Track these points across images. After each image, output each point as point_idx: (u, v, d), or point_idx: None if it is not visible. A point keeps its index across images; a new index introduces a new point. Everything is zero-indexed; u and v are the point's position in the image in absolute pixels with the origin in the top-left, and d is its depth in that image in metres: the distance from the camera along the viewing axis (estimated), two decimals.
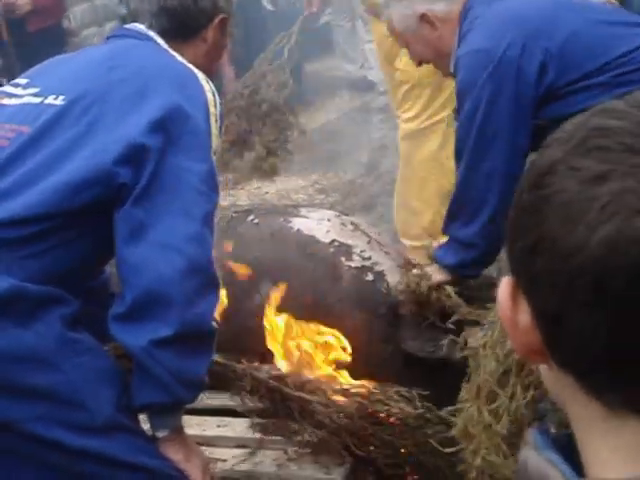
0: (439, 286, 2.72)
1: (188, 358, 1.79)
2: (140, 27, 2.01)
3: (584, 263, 0.67)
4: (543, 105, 2.55)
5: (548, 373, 0.76)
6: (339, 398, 2.59)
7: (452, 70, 2.76)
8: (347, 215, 3.29)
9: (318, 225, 3.01)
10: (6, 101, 1.91)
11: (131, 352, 1.78)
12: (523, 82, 2.54)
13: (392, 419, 2.52)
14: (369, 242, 2.98)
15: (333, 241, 2.93)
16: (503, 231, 0.75)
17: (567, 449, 0.73)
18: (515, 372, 2.03)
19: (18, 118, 1.84)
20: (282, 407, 2.64)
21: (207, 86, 1.89)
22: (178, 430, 1.88)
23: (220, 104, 1.91)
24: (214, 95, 1.89)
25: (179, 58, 1.95)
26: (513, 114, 2.55)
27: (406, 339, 2.74)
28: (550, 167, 0.71)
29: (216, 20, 2.06)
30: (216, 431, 2.90)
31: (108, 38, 2.07)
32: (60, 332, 1.75)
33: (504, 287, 0.75)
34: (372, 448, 2.57)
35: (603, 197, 0.67)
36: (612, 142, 0.69)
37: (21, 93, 1.91)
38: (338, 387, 2.62)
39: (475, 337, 2.39)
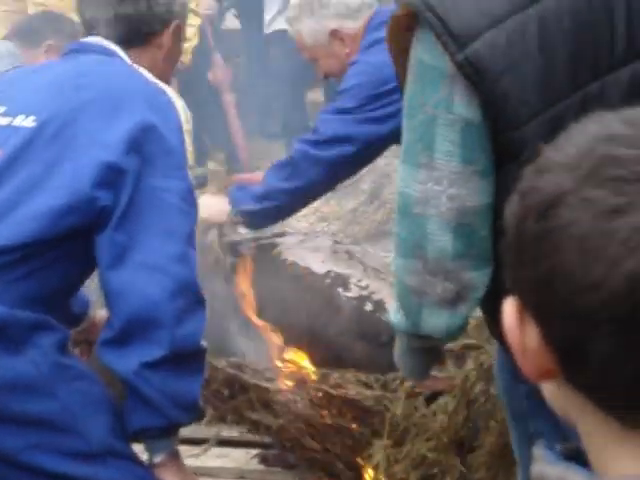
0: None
1: (180, 379, 1.77)
2: (102, 41, 1.97)
3: (607, 298, 0.67)
4: None
5: (556, 391, 0.76)
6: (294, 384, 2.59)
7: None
8: (340, 243, 3.27)
9: (312, 255, 2.98)
10: None
11: (122, 377, 1.76)
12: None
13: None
14: (365, 270, 2.95)
15: (329, 272, 2.90)
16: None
17: (576, 461, 0.74)
18: None
19: None
20: (241, 397, 2.62)
21: (179, 102, 1.89)
22: (174, 454, 1.85)
23: (191, 119, 1.92)
24: (185, 111, 1.88)
25: (146, 74, 1.92)
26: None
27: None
28: (559, 198, 0.70)
29: (171, 26, 2.04)
30: (216, 462, 2.87)
31: (68, 52, 2.01)
32: (54, 358, 1.73)
33: (510, 311, 0.75)
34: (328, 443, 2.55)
35: (622, 231, 0.67)
36: (627, 172, 0.68)
37: None
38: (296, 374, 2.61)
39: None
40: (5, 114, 1.81)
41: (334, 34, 3.02)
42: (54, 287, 1.78)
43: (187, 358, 1.77)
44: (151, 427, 1.78)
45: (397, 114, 2.70)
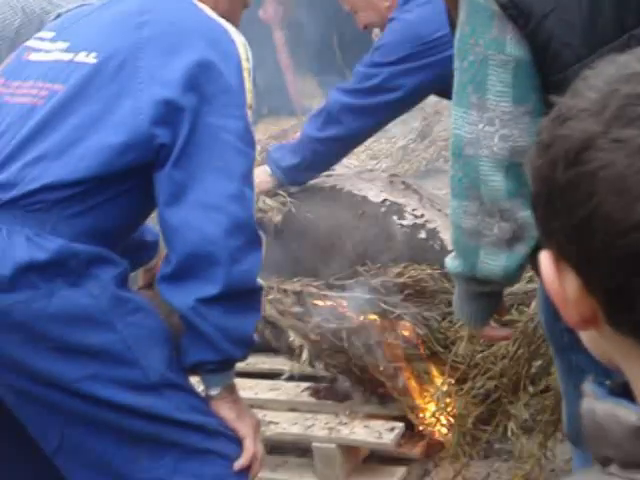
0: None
1: (235, 315, 1.79)
2: None
3: None
4: None
5: (597, 339, 0.76)
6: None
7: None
8: (397, 176, 3.29)
9: (368, 185, 3.01)
10: (33, 57, 1.87)
11: (179, 311, 1.80)
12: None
13: None
14: (421, 200, 2.97)
15: (384, 200, 2.93)
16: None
17: (625, 397, 0.73)
18: None
19: (50, 76, 1.81)
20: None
21: (239, 40, 1.85)
22: (230, 389, 1.89)
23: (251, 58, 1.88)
24: (246, 49, 1.85)
25: (208, 11, 1.90)
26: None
27: None
28: (589, 142, 0.69)
29: None
30: (269, 394, 2.94)
31: None
32: (112, 291, 1.77)
33: (547, 262, 0.75)
34: None
35: None
36: None
37: (49, 48, 1.87)
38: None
39: None
40: (68, 50, 1.84)
41: None
42: (114, 223, 1.82)
43: (242, 295, 1.80)
44: (206, 361, 1.82)
45: (434, 65, 2.83)
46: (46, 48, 1.87)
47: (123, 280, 1.82)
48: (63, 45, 1.85)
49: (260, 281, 1.85)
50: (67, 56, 1.82)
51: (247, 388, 2.88)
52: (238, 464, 1.85)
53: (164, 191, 1.76)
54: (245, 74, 1.82)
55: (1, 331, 1.72)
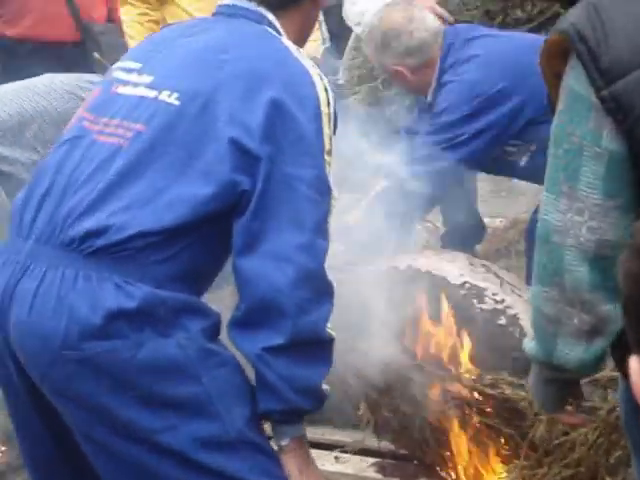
0: None
1: (302, 366, 1.79)
2: (252, 4, 1.92)
3: None
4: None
5: None
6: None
7: (431, 94, 3.29)
8: (477, 257, 3.27)
9: (449, 266, 2.99)
10: (121, 90, 1.89)
11: (247, 358, 1.81)
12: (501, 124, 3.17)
13: None
14: (501, 284, 2.94)
15: (465, 283, 2.91)
16: None
17: None
18: None
19: (135, 114, 1.83)
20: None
21: (320, 83, 1.83)
22: (299, 441, 1.87)
23: (334, 101, 1.87)
24: (327, 92, 1.83)
25: (291, 49, 1.87)
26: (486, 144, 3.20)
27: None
28: None
29: None
30: (335, 467, 2.92)
31: (218, 12, 1.98)
32: (201, 344, 1.78)
33: (637, 367, 0.74)
34: None
35: None
36: None
37: (136, 81, 1.88)
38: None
39: None
40: (152, 86, 1.85)
41: (396, 72, 3.31)
42: (198, 266, 1.83)
43: (310, 346, 1.80)
44: (273, 410, 1.81)
45: (492, 127, 3.13)
46: (134, 81, 1.89)
47: (213, 333, 1.83)
48: (148, 79, 1.87)
49: (331, 332, 1.84)
50: (152, 93, 1.84)
51: (318, 459, 2.86)
52: None
53: (239, 240, 1.78)
54: (324, 119, 1.81)
55: (92, 378, 1.75)
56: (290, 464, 1.84)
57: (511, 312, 2.83)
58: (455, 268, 2.99)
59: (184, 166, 1.77)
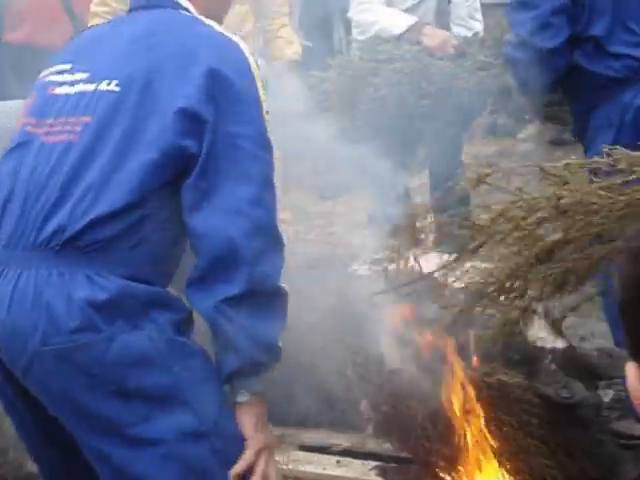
0: None
1: (259, 318, 1.82)
2: None
3: None
4: None
5: None
6: None
7: None
8: None
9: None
10: (58, 91, 1.93)
11: (204, 315, 1.83)
12: None
13: None
14: None
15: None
16: None
17: None
18: None
19: (79, 109, 1.87)
20: None
21: (248, 50, 1.92)
22: (257, 397, 1.87)
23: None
24: (255, 58, 1.92)
25: (211, 24, 1.96)
26: None
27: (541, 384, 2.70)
28: None
29: None
30: (337, 471, 2.90)
31: (134, 8, 2.05)
32: (170, 336, 1.81)
33: (633, 373, 0.73)
34: None
35: None
36: None
37: (71, 80, 1.93)
38: None
39: None
40: (89, 80, 1.90)
41: None
42: (168, 250, 1.87)
43: (265, 297, 1.83)
44: (235, 370, 1.83)
45: None
46: (69, 80, 1.94)
47: (183, 326, 1.86)
48: (84, 75, 1.92)
49: (285, 287, 1.87)
50: (90, 87, 1.89)
51: (314, 462, 2.86)
52: (233, 470, 1.83)
53: (188, 199, 1.82)
54: (258, 82, 1.89)
55: (68, 373, 1.77)
56: (245, 420, 1.86)
57: None
58: None
59: (130, 145, 1.82)
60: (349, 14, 4.17)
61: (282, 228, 1.89)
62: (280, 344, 1.87)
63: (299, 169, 3.28)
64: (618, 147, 2.22)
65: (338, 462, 2.93)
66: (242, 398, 1.86)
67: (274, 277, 1.85)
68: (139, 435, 1.78)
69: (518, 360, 2.70)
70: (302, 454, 2.95)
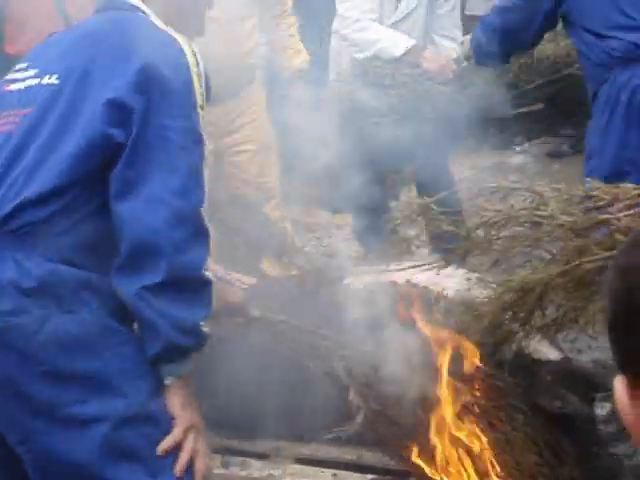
0: None
1: (180, 304, 1.87)
2: None
3: None
4: None
5: None
6: None
7: None
8: None
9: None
10: (12, 87, 2.03)
11: (126, 301, 1.87)
12: None
13: None
14: None
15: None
16: None
17: None
18: None
19: (22, 102, 1.96)
20: None
21: (187, 48, 1.96)
22: (184, 381, 1.94)
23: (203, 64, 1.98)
24: (196, 56, 1.95)
25: (158, 24, 2.02)
26: None
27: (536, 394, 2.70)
28: None
29: None
30: None
31: (96, 10, 2.13)
32: (104, 321, 1.87)
33: (620, 388, 0.73)
34: None
35: None
36: None
37: (22, 77, 2.02)
38: None
39: None
40: (36, 76, 1.99)
41: None
42: (101, 237, 1.90)
43: (187, 285, 1.88)
44: (158, 353, 1.88)
45: None
46: (21, 77, 2.03)
47: (117, 311, 1.90)
48: (33, 72, 2.01)
49: (209, 275, 1.91)
50: (36, 81, 1.98)
51: (310, 475, 2.85)
52: (160, 446, 1.88)
53: (114, 186, 1.86)
54: (194, 77, 1.91)
55: (1, 353, 1.82)
56: (173, 400, 1.92)
57: None
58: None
59: (64, 131, 1.89)
60: (342, 31, 4.17)
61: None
62: (205, 329, 1.92)
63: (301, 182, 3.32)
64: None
65: (334, 475, 2.92)
66: (168, 380, 1.91)
67: (196, 266, 1.89)
68: (72, 417, 1.83)
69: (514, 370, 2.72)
70: (299, 467, 2.94)
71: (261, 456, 3.01)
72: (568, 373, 2.71)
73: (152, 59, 1.89)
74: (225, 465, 3.00)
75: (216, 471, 2.99)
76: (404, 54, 3.98)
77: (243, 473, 2.96)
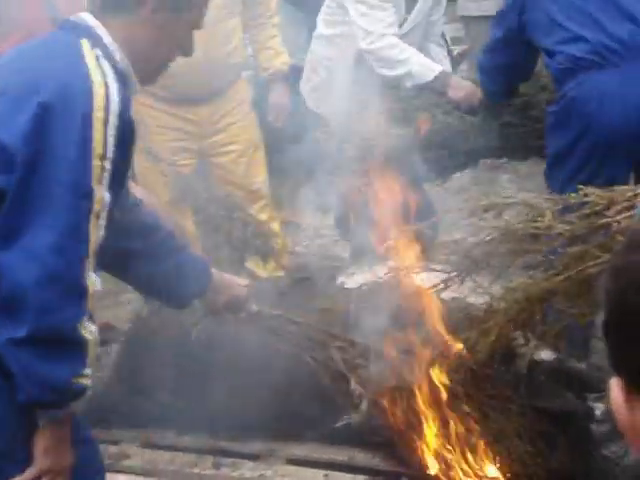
0: None
1: (47, 361, 1.84)
2: (83, 16, 1.96)
3: None
4: None
5: None
6: None
7: None
8: None
9: None
10: None
11: None
12: None
13: None
14: None
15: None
16: None
17: None
18: None
19: None
20: None
21: (100, 90, 1.84)
22: (56, 425, 1.91)
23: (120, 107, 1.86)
24: (107, 98, 1.84)
25: (86, 58, 1.89)
26: None
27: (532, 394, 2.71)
28: None
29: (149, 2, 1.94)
30: None
31: (58, 27, 2.01)
32: None
33: (617, 392, 0.73)
34: None
35: None
36: None
37: None
38: None
39: None
40: None
41: None
42: None
43: (53, 344, 1.84)
44: (25, 403, 1.86)
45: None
46: None
47: None
48: None
49: (85, 333, 1.86)
50: None
51: (302, 476, 2.85)
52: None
53: None
54: (95, 124, 1.83)
55: None
56: (38, 442, 1.91)
57: None
58: None
59: None
60: (367, 47, 3.89)
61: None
62: (82, 382, 1.88)
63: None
64: None
65: (326, 476, 2.92)
66: (40, 422, 1.90)
67: (65, 327, 1.84)
68: None
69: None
70: (291, 468, 2.94)
71: (252, 457, 3.00)
72: (561, 373, 2.73)
73: (53, 102, 1.82)
74: (216, 466, 2.98)
75: (207, 472, 2.99)
76: (432, 81, 3.84)
77: (234, 474, 2.95)
